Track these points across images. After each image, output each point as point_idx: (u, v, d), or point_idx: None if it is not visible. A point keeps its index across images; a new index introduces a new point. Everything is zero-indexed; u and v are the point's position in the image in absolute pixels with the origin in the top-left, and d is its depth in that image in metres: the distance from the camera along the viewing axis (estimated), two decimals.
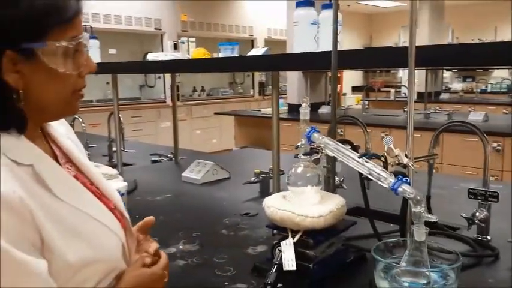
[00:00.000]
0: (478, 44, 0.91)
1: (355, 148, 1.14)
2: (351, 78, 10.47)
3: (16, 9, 0.71)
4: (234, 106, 7.53)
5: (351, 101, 8.05)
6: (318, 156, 1.19)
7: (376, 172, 0.98)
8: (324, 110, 5.17)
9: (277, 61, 1.41)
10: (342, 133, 4.50)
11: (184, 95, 7.64)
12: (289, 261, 1.04)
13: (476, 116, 4.32)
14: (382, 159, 1.02)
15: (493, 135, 3.69)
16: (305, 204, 1.13)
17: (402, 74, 8.02)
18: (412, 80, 1.00)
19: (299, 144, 1.17)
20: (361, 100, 6.28)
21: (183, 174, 2.19)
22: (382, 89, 8.54)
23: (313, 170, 1.17)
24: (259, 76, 8.52)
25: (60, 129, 0.91)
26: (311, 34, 1.53)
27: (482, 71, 8.62)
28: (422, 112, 4.95)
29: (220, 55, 2.00)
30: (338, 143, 1.10)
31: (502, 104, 6.32)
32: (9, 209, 0.66)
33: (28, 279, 0.68)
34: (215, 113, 6.63)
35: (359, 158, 1.02)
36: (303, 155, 1.17)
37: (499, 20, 8.30)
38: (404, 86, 5.39)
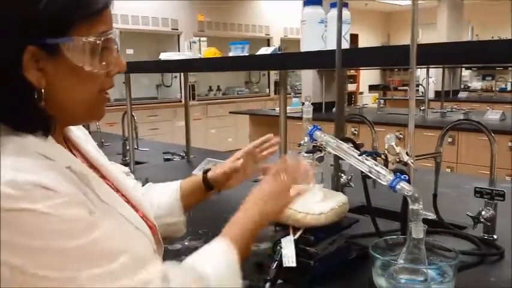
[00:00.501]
0: (477, 42, 0.91)
1: (357, 146, 1.15)
2: (369, 77, 10.41)
3: (39, 0, 0.65)
4: (249, 105, 7.56)
5: (368, 100, 8.02)
6: (321, 155, 1.20)
7: (375, 170, 0.99)
8: None
9: (283, 60, 1.42)
10: (356, 132, 4.49)
11: (200, 94, 7.69)
12: (289, 258, 1.05)
13: (493, 114, 4.26)
14: (383, 157, 1.02)
15: (509, 134, 3.64)
16: (307, 202, 1.14)
17: (420, 72, 7.95)
18: (413, 78, 1.00)
19: (302, 142, 1.19)
20: (377, 99, 6.24)
21: (193, 172, 2.22)
22: (399, 88, 8.48)
23: (316, 168, 1.18)
24: (275, 75, 8.53)
25: (78, 133, 0.88)
26: (319, 33, 1.54)
27: (502, 69, 8.48)
28: (438, 111, 4.89)
29: (231, 54, 2.02)
30: (340, 141, 1.11)
31: None
32: (65, 196, 0.64)
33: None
34: (230, 112, 6.67)
35: (359, 155, 1.02)
36: (306, 153, 1.18)
37: None
38: (421, 84, 5.36)
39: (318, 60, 1.29)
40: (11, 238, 0.59)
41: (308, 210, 1.09)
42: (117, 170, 0.93)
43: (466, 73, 8.87)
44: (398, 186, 0.92)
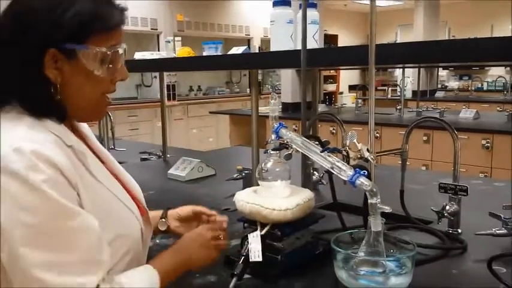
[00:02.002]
0: (434, 42, 0.94)
1: (323, 144, 1.17)
2: (348, 77, 10.50)
3: (65, 12, 0.80)
4: (230, 105, 7.56)
5: (347, 100, 8.09)
6: (289, 152, 1.22)
7: (337, 166, 1.01)
8: (319, 108, 5.20)
9: (251, 59, 1.44)
10: (334, 131, 4.54)
11: (181, 94, 7.66)
12: (255, 253, 1.07)
13: (467, 113, 4.35)
14: (344, 153, 1.05)
15: (482, 133, 3.73)
16: (274, 198, 1.16)
17: (398, 72, 8.06)
18: (372, 77, 1.03)
19: (269, 139, 1.21)
20: (356, 99, 6.31)
21: (169, 171, 2.23)
22: (378, 88, 8.57)
23: (283, 165, 1.21)
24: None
25: (86, 126, 1.01)
26: (287, 33, 1.57)
27: (478, 69, 8.64)
28: (414, 110, 4.97)
29: (205, 54, 2.03)
30: (304, 138, 1.13)
31: (496, 102, 6.35)
32: (60, 172, 0.75)
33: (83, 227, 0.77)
34: (210, 112, 6.67)
35: (321, 152, 1.05)
36: (272, 150, 1.20)
37: (496, 18, 8.31)
38: (398, 85, 5.44)
39: (286, 59, 1.31)
40: (3, 204, 0.70)
41: (274, 206, 1.12)
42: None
43: (443, 73, 9.02)
44: (357, 182, 0.95)
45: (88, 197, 0.81)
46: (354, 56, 1.14)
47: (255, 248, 1.08)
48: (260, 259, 1.06)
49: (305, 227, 1.21)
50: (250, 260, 1.07)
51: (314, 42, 1.55)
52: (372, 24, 0.98)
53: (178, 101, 7.20)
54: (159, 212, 1.19)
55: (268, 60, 1.38)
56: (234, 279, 1.05)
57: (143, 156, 2.81)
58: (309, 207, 1.17)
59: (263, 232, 1.12)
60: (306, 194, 1.19)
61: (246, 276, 1.10)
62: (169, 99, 6.75)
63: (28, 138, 0.76)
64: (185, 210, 1.19)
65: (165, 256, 0.97)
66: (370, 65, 0.99)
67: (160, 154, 2.77)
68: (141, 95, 7.39)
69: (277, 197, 1.16)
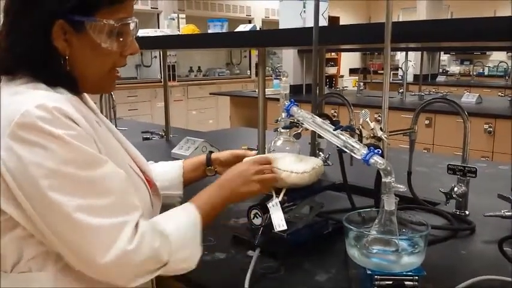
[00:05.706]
0: (444, 20, 0.92)
1: (333, 122, 1.16)
2: (349, 60, 10.43)
3: None
4: (230, 87, 7.51)
5: (348, 83, 8.04)
6: (298, 131, 1.21)
7: (350, 144, 1.00)
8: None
9: (261, 37, 1.42)
10: (335, 114, 4.52)
11: (181, 75, 7.60)
12: (279, 222, 1.04)
13: (469, 98, 4.33)
14: (357, 131, 1.04)
15: (484, 117, 3.72)
16: (286, 163, 1.12)
17: (399, 56, 8.00)
18: (388, 55, 1.01)
19: (279, 118, 1.19)
20: (357, 82, 6.27)
21: (173, 151, 2.22)
22: (380, 71, 8.52)
23: (293, 144, 1.19)
24: (256, 57, 8.48)
25: (92, 103, 1.01)
26: (297, 10, 1.54)
27: (479, 54, 8.58)
28: (416, 94, 4.95)
29: (210, 31, 2.00)
30: (316, 116, 1.12)
31: (497, 87, 6.32)
32: (82, 128, 0.79)
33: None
34: (210, 94, 6.62)
35: (334, 130, 1.04)
36: (283, 128, 1.18)
37: (498, 2, 8.22)
38: (400, 68, 5.41)
39: (296, 37, 1.29)
40: (33, 157, 0.73)
41: (292, 169, 1.09)
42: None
43: (444, 57, 8.96)
44: (371, 160, 0.94)
45: (106, 154, 0.83)
46: (369, 34, 1.11)
47: (277, 217, 1.04)
48: (285, 227, 1.03)
49: (314, 193, 1.19)
50: (275, 230, 1.04)
51: (323, 20, 1.53)
52: (389, 1, 0.95)
53: (178, 81, 7.15)
54: (200, 159, 1.25)
55: (279, 37, 1.35)
56: (257, 250, 1.02)
57: (145, 136, 2.79)
58: (321, 172, 1.14)
59: (280, 198, 1.08)
60: (317, 160, 1.16)
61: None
62: (168, 79, 6.67)
63: (48, 97, 0.78)
64: (225, 155, 1.24)
65: (203, 194, 0.99)
66: (386, 43, 0.97)
67: (163, 134, 2.75)
68: (140, 75, 7.33)
69: (289, 163, 1.12)
